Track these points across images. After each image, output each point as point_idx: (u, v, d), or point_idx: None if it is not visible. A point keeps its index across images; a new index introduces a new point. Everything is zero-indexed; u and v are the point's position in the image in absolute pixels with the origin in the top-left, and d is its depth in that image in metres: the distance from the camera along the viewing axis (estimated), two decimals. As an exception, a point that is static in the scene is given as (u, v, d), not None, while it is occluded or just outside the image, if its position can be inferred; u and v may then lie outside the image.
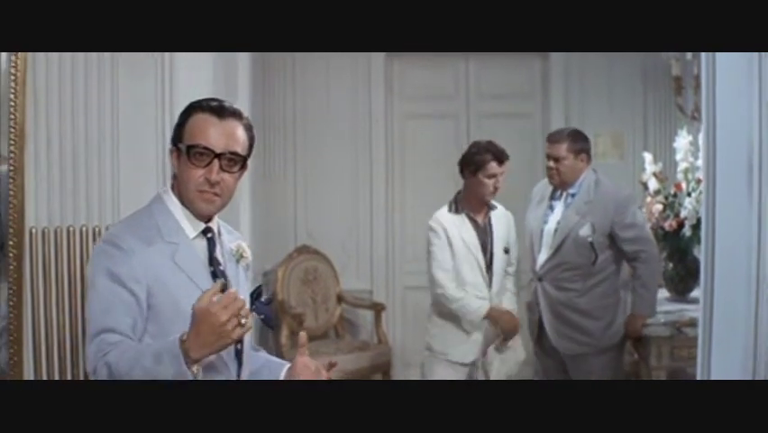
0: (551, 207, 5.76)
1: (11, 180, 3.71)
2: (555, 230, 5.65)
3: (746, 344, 4.08)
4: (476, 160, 5.38)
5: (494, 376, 5.38)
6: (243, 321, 2.66)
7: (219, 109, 2.98)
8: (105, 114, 4.10)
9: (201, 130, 2.93)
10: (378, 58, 8.74)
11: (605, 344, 5.49)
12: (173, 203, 3.03)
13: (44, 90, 3.94)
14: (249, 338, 3.11)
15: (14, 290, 3.78)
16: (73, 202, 3.95)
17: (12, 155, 3.73)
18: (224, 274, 3.05)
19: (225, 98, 4.67)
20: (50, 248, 3.87)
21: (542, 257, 5.59)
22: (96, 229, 3.96)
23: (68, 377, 4.12)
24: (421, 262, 8.02)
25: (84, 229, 3.93)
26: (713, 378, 4.72)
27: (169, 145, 3.14)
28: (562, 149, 5.64)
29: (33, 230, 3.88)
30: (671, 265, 6.13)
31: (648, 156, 6.50)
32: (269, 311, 3.40)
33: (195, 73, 4.51)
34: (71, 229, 3.98)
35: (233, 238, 3.22)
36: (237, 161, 2.98)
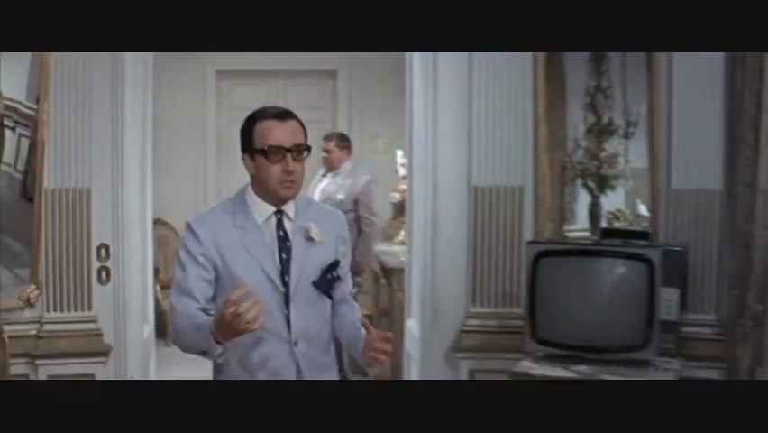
0: (320, 182, 8.25)
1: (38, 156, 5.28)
2: (321, 195, 8.08)
3: (424, 272, 6.12)
4: None
5: None
6: (247, 326, 3.09)
7: (278, 113, 3.55)
8: (86, 105, 5.52)
9: (269, 133, 3.46)
10: (211, 76, 10.73)
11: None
12: (250, 195, 3.57)
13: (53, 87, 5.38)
14: (298, 314, 3.54)
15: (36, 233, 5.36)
16: (69, 168, 5.52)
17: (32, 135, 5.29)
18: (288, 251, 3.54)
19: (142, 96, 6.27)
20: (57, 203, 5.48)
21: None
22: (85, 189, 5.57)
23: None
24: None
25: (74, 189, 5.52)
26: (413, 296, 6.55)
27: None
28: (331, 144, 8.24)
29: (47, 190, 5.41)
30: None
31: (400, 152, 8.62)
32: (328, 286, 3.61)
33: (134, 71, 5.89)
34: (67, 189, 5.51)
35: (312, 217, 3.64)
36: (302, 150, 3.50)
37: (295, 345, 3.54)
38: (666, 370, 5.08)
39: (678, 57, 5.57)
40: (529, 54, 5.84)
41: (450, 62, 5.97)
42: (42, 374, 5.50)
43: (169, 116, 9.40)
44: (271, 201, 3.55)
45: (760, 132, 5.33)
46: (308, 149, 3.53)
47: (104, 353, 5.62)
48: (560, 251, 5.39)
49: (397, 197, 8.71)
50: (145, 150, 6.31)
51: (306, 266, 3.57)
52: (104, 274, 5.70)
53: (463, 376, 5.89)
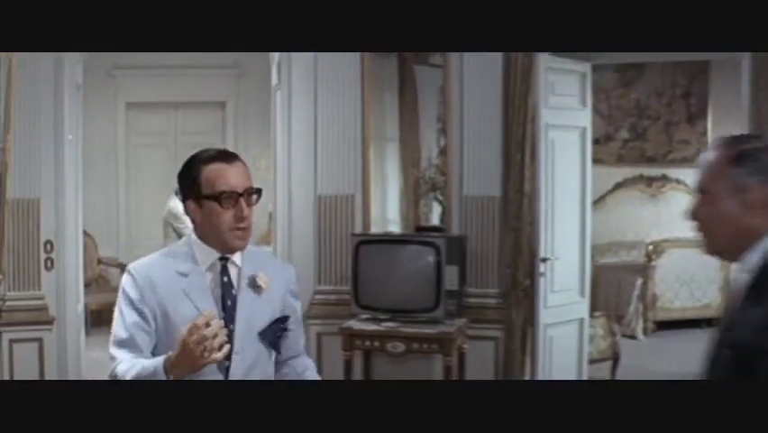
0: None
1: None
2: None
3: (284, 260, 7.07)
4: None
5: None
6: (208, 354, 2.89)
7: (226, 156, 3.21)
8: (36, 134, 6.97)
9: (219, 177, 3.12)
10: (122, 106, 11.97)
11: None
12: (194, 241, 3.25)
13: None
14: (245, 364, 3.23)
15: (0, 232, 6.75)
16: (25, 184, 6.93)
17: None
18: (234, 299, 3.24)
19: (75, 126, 7.40)
20: (16, 209, 6.87)
21: None
22: (36, 199, 6.99)
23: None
24: (150, 239, 10.39)
25: (28, 199, 6.96)
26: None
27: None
28: None
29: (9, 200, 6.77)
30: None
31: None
32: (275, 338, 3.29)
33: (71, 106, 7.27)
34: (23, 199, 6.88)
35: (260, 266, 3.33)
36: (253, 194, 3.18)
37: None
38: (452, 325, 6.93)
39: (467, 96, 7.35)
40: (359, 89, 7.49)
41: (300, 95, 7.50)
42: (5, 339, 7.02)
43: (87, 140, 9.79)
44: (218, 248, 3.26)
45: (525, 153, 7.23)
46: (258, 192, 3.24)
47: (49, 322, 7.17)
48: (375, 240, 7.24)
49: (271, 207, 10.18)
50: (77, 169, 7.71)
51: (252, 315, 3.28)
52: (49, 263, 7.14)
53: (312, 338, 7.31)
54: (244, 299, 3.27)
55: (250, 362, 3.27)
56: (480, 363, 7.38)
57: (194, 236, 3.28)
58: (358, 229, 7.53)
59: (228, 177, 3.16)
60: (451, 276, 6.99)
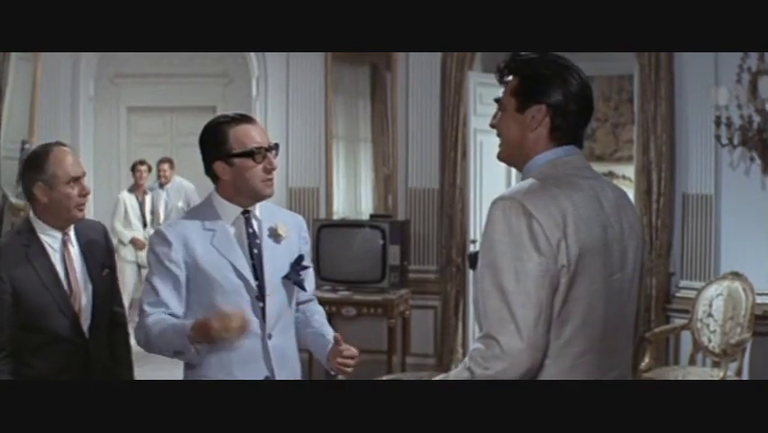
0: (160, 194, 10.85)
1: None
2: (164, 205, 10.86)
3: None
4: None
5: None
6: (227, 336, 3.21)
7: (247, 118, 3.49)
8: (55, 127, 8.25)
9: (248, 136, 3.39)
10: (123, 110, 13.14)
11: None
12: (216, 200, 3.49)
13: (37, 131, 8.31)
14: (279, 306, 3.50)
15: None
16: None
17: None
18: (259, 247, 3.49)
19: (85, 131, 9.08)
20: None
21: None
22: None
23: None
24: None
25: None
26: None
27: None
28: (166, 165, 11.04)
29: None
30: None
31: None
32: (298, 276, 3.52)
33: (85, 115, 8.94)
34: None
35: (277, 217, 3.59)
36: (274, 148, 3.45)
37: (269, 339, 3.48)
38: (394, 294, 8.40)
39: (411, 105, 8.84)
40: (323, 98, 8.98)
41: (274, 105, 8.98)
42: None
43: (94, 140, 10.46)
44: (241, 202, 3.51)
45: (458, 153, 8.76)
46: (277, 146, 3.51)
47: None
48: (333, 225, 8.81)
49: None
50: (88, 167, 8.98)
51: (276, 262, 3.51)
52: (68, 241, 8.60)
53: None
54: (267, 247, 3.52)
55: (280, 303, 3.54)
56: (422, 328, 8.94)
57: (216, 196, 3.52)
58: (322, 216, 8.99)
59: (255, 135, 3.43)
60: (394, 254, 8.45)
